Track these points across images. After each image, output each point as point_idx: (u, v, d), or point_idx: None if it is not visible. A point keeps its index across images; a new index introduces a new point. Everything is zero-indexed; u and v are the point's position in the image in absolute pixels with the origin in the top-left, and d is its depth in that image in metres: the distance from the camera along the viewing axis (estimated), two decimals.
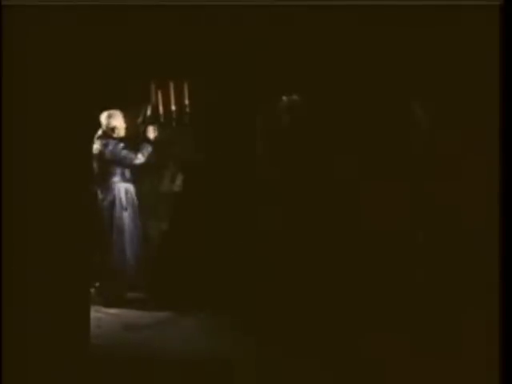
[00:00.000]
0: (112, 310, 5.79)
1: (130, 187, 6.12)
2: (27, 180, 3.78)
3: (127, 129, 6.18)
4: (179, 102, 6.20)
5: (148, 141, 6.06)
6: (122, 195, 6.02)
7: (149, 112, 6.17)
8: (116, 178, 6.02)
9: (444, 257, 4.17)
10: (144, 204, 6.30)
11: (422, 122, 4.49)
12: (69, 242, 3.93)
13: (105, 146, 5.97)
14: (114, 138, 6.03)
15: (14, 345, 3.71)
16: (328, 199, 4.96)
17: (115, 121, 6.07)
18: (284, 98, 5.54)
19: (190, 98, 6.15)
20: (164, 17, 3.95)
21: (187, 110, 6.20)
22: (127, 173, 6.09)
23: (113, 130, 6.05)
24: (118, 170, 6.04)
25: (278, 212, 5.37)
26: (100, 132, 6.03)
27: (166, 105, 6.27)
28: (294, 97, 5.48)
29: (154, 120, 6.24)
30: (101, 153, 5.94)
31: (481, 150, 3.95)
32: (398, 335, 4.24)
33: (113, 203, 5.99)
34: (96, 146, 5.93)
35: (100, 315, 5.50)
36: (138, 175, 6.27)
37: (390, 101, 4.58)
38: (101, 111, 5.92)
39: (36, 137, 3.81)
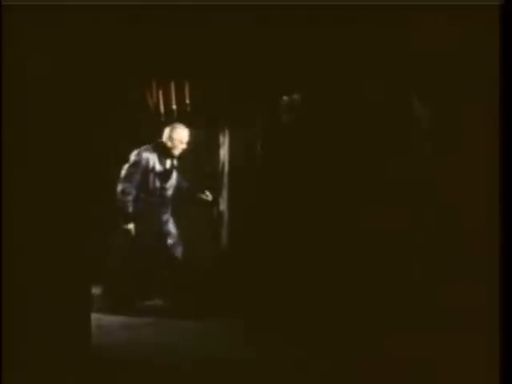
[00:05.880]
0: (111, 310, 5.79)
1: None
2: (26, 181, 3.79)
3: (185, 149, 5.97)
4: (180, 102, 6.21)
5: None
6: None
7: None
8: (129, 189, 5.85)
9: (444, 257, 4.17)
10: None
11: (422, 122, 4.49)
12: (69, 242, 3.93)
13: (140, 164, 5.78)
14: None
15: (14, 344, 3.71)
16: (328, 198, 4.96)
17: (176, 134, 5.88)
18: (284, 97, 5.54)
19: (190, 98, 6.16)
20: (164, 17, 3.96)
21: (187, 109, 6.22)
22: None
23: (170, 142, 5.88)
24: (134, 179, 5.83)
25: (280, 211, 5.37)
26: (154, 143, 5.91)
27: (167, 104, 6.29)
28: (295, 96, 5.48)
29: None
30: (136, 163, 5.79)
31: (481, 150, 3.94)
32: (399, 335, 4.24)
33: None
34: (143, 156, 5.78)
35: (100, 315, 5.49)
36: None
37: (391, 101, 4.58)
38: (101, 111, 5.90)
39: (35, 137, 3.82)
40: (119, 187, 5.73)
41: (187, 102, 6.24)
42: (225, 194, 6.34)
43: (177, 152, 5.90)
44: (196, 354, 4.68)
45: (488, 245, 3.81)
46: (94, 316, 4.68)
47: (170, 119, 6.30)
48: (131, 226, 5.74)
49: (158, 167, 5.83)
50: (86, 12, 3.81)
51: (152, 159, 5.80)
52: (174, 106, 6.29)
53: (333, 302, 4.73)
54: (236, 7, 3.90)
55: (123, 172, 5.77)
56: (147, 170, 5.78)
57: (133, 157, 5.79)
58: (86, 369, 3.94)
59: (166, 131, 5.89)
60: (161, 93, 6.28)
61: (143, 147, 5.84)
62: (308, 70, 4.79)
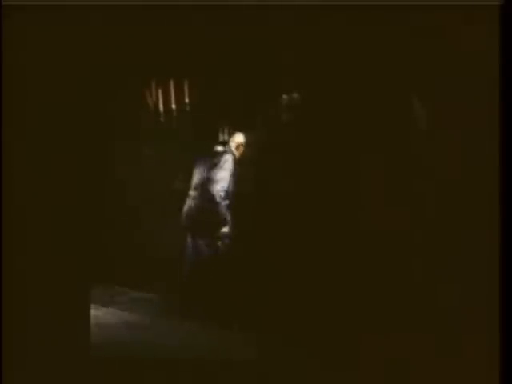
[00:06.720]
0: (111, 309, 5.79)
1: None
2: (27, 180, 3.79)
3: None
4: (179, 102, 6.21)
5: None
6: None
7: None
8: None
9: (444, 257, 4.17)
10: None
11: (422, 122, 4.49)
12: (69, 241, 3.94)
13: (228, 169, 5.75)
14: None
15: (14, 343, 3.72)
16: (328, 198, 4.95)
17: (241, 139, 5.87)
18: (284, 96, 5.53)
19: (189, 98, 6.16)
20: (164, 17, 3.95)
21: (187, 109, 6.22)
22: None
23: (240, 147, 5.85)
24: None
25: (280, 212, 5.37)
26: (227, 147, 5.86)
27: (166, 104, 6.29)
28: (295, 95, 5.48)
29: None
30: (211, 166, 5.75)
31: (481, 150, 3.95)
32: (399, 335, 4.24)
33: None
34: (229, 160, 5.76)
35: (99, 314, 5.50)
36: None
37: (391, 101, 4.58)
38: (100, 111, 5.88)
39: (35, 136, 3.82)
40: (214, 191, 5.68)
41: (186, 101, 6.24)
42: None
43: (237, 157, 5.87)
44: (196, 353, 4.68)
45: (488, 245, 3.82)
46: (93, 315, 4.69)
47: (170, 119, 6.31)
48: (226, 230, 5.74)
49: (234, 172, 5.78)
50: (86, 12, 3.81)
51: (232, 163, 5.76)
52: (174, 106, 6.28)
53: (333, 302, 4.73)
54: (236, 7, 3.90)
55: (216, 174, 5.72)
56: (230, 174, 5.75)
57: (223, 162, 5.72)
58: (85, 368, 3.95)
59: (234, 136, 5.85)
60: (160, 92, 6.28)
61: (225, 151, 5.78)
62: (308, 70, 4.78)
